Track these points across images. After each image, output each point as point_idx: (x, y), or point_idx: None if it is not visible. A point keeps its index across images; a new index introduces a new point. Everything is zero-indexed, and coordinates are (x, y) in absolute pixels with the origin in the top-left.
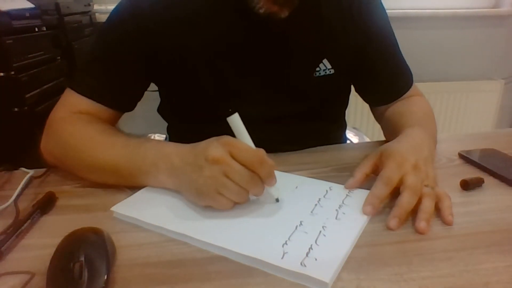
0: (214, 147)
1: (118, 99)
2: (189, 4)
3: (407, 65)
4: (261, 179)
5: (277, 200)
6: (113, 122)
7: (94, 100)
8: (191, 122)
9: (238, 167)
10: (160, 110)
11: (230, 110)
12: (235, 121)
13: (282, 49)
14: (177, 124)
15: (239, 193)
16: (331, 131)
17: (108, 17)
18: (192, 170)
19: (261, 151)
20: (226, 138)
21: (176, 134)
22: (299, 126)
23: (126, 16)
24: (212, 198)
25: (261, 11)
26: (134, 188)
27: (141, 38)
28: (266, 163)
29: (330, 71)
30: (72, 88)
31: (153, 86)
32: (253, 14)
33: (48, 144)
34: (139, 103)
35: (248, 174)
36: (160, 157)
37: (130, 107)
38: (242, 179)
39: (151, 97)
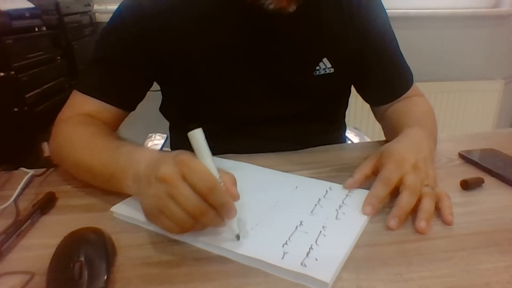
0: (166, 164)
1: (121, 98)
2: (191, 6)
3: (407, 65)
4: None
5: (237, 237)
6: (116, 123)
7: (97, 98)
8: (193, 121)
9: (186, 191)
10: (162, 109)
11: (192, 125)
12: (197, 137)
13: (283, 48)
14: (179, 123)
15: (183, 220)
16: (331, 131)
17: (111, 18)
18: (145, 183)
19: (226, 176)
20: (183, 156)
21: (178, 134)
22: (299, 126)
23: (128, 17)
24: (156, 218)
25: (271, 6)
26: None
27: (143, 39)
28: (218, 191)
29: (330, 70)
30: (76, 89)
31: (154, 86)
32: (256, 14)
33: (51, 144)
34: (140, 103)
35: (196, 201)
36: (130, 163)
37: (132, 106)
38: (188, 204)
39: (152, 97)
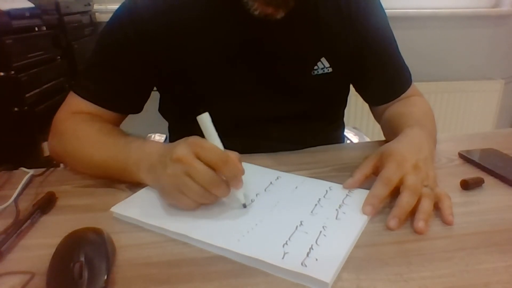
0: (180, 146)
1: (119, 103)
2: (187, 8)
3: (405, 65)
4: (226, 180)
5: (244, 205)
6: (117, 122)
7: (95, 104)
8: (191, 122)
9: (200, 167)
10: (161, 110)
11: (201, 110)
12: (204, 121)
13: (280, 49)
14: (177, 124)
15: (201, 194)
16: (330, 131)
17: (108, 22)
18: (160, 168)
19: (232, 153)
20: (193, 138)
21: (177, 134)
22: (298, 126)
23: (125, 20)
24: (173, 197)
25: (256, 13)
26: (132, 187)
27: (140, 42)
28: (231, 164)
29: (328, 70)
30: (74, 92)
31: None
32: (251, 16)
33: (52, 143)
34: None
35: (210, 174)
36: (142, 156)
37: (134, 109)
38: (204, 178)
39: (152, 97)
